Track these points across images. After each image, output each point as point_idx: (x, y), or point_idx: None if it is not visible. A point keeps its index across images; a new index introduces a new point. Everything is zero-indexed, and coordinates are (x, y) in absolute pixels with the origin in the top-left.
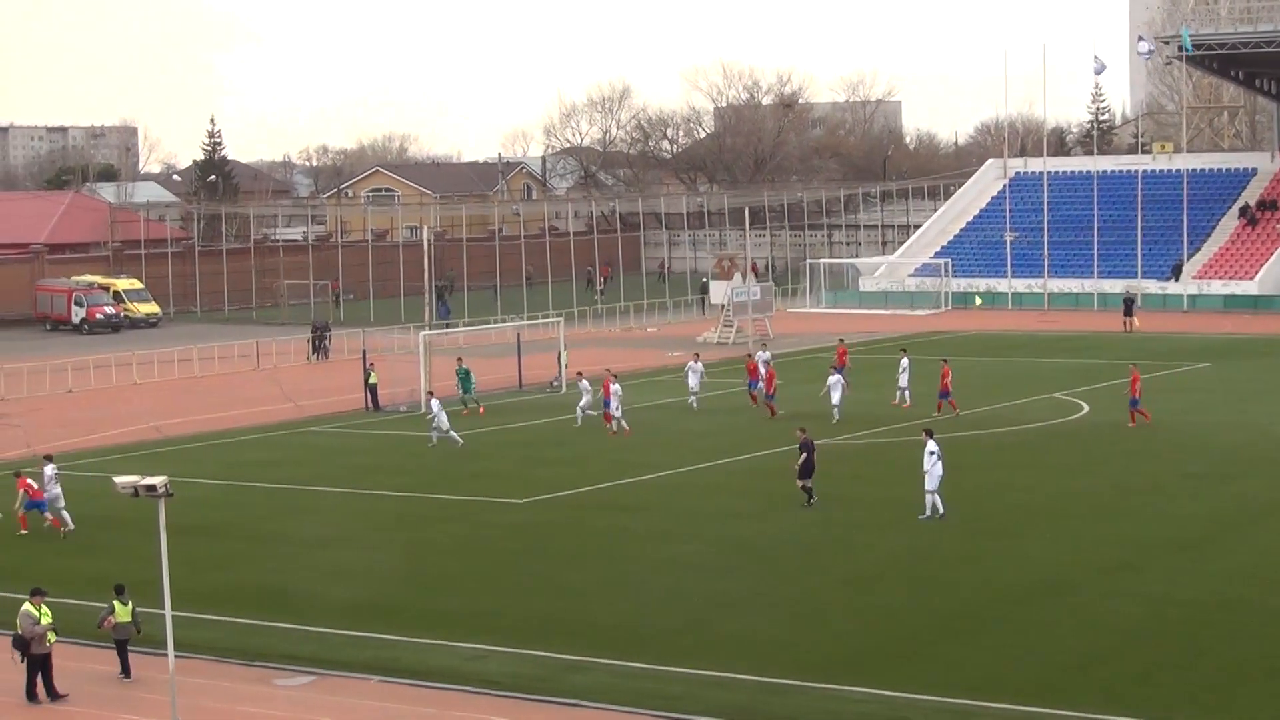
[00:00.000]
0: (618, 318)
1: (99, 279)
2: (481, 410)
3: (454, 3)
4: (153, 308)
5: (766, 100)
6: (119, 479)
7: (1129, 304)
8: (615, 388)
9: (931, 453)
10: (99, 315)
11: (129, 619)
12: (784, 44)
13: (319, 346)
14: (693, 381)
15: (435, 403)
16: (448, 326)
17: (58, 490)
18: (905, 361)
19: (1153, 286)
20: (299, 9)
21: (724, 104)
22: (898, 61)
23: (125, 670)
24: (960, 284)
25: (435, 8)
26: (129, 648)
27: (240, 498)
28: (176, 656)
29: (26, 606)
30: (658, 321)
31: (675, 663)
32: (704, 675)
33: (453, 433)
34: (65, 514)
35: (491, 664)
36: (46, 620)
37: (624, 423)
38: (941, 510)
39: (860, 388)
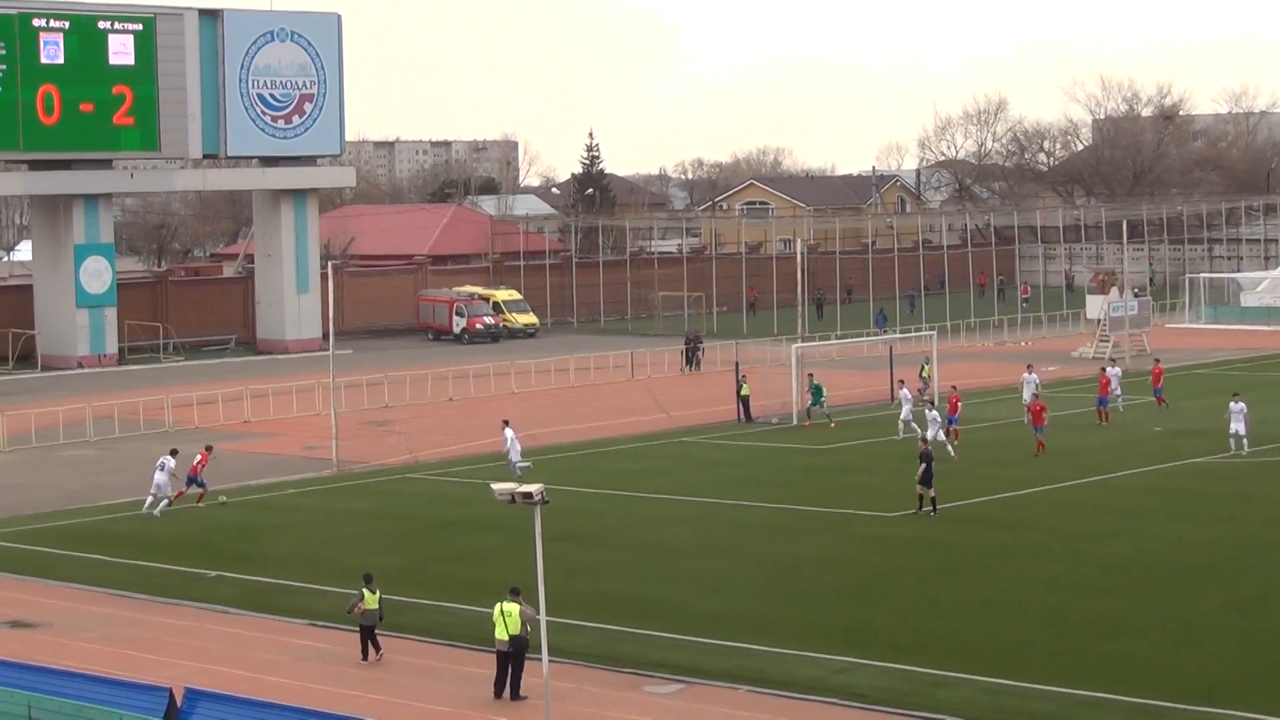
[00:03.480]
0: (991, 331)
1: (479, 290)
2: (832, 425)
3: (836, 14)
4: (531, 318)
5: (1146, 112)
6: (497, 486)
7: None
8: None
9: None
10: (479, 325)
11: (375, 606)
12: (1165, 54)
13: (692, 358)
14: (1027, 395)
15: (508, 432)
16: (885, 333)
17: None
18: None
19: None
20: (677, 21)
21: (1102, 116)
22: None
23: (365, 654)
24: None
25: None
26: (376, 633)
27: (612, 506)
28: (550, 662)
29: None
30: (1031, 336)
31: (1047, 681)
32: (1075, 694)
33: (517, 465)
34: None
35: (859, 677)
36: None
37: (949, 448)
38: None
39: (1259, 403)
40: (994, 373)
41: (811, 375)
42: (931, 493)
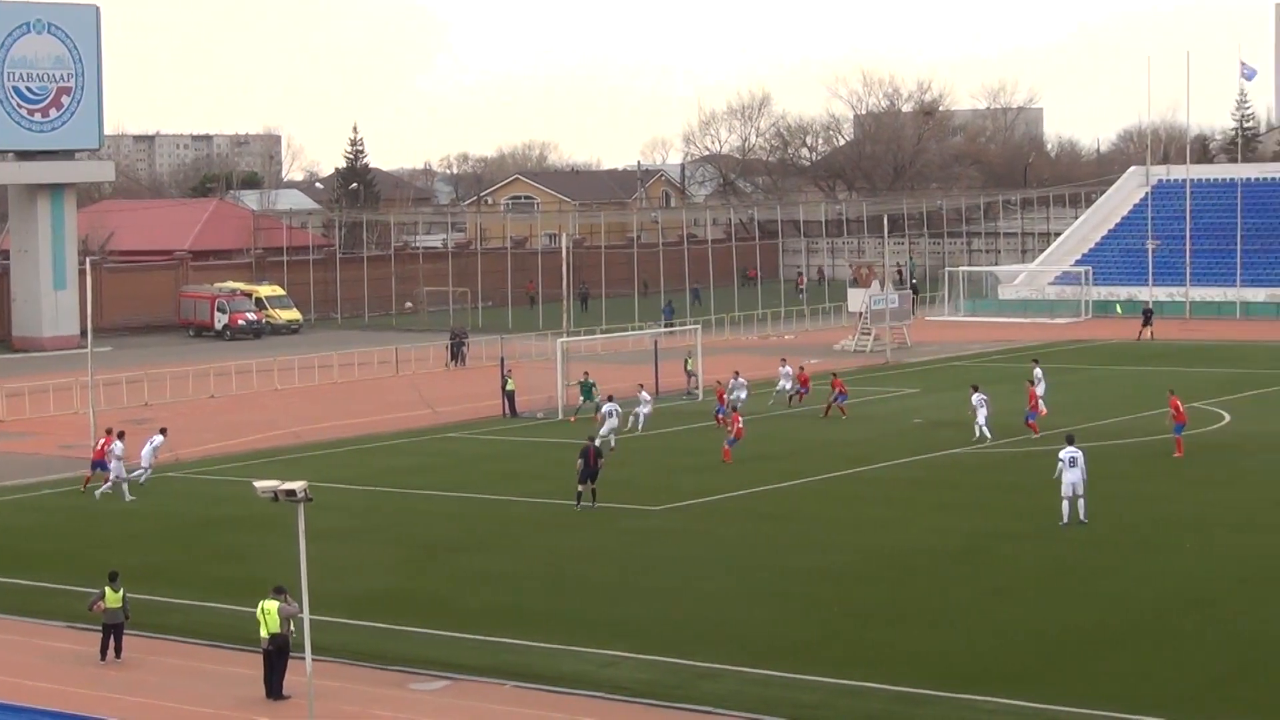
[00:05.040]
0: (755, 325)
1: (241, 285)
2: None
3: (594, 11)
4: (294, 314)
5: (907, 107)
6: (259, 483)
7: (1148, 315)
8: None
9: (1062, 459)
10: (241, 321)
11: (119, 605)
12: (925, 51)
13: (457, 353)
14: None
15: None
16: (669, 326)
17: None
18: (1039, 372)
19: None
20: (443, 16)
21: (864, 111)
22: (1039, 68)
23: (104, 653)
24: (1101, 292)
25: (575, 15)
26: (124, 633)
27: (378, 503)
28: (315, 660)
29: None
30: (795, 329)
31: (810, 671)
32: (839, 684)
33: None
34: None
35: (624, 670)
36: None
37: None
38: (1082, 516)
39: (1001, 397)
40: (758, 366)
41: (587, 373)
42: (593, 486)
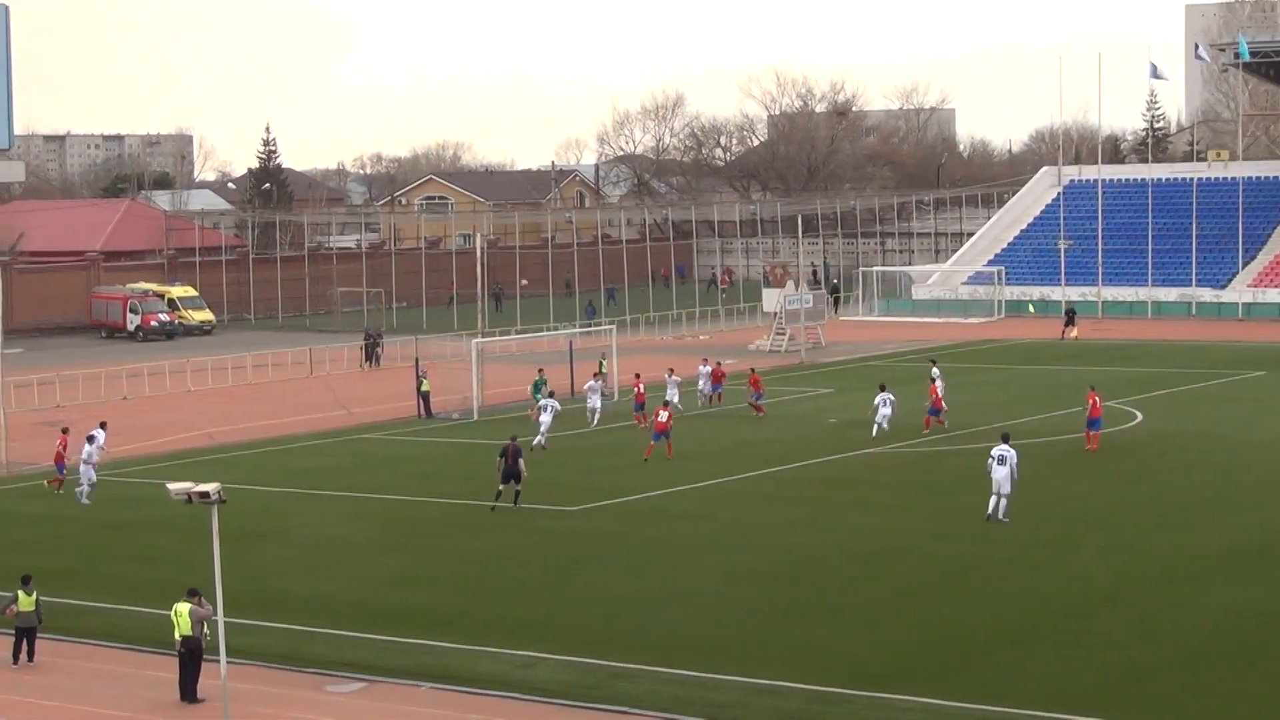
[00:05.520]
0: (670, 325)
1: (154, 286)
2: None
3: (507, 10)
4: (207, 315)
5: (820, 108)
6: (172, 485)
7: (1070, 314)
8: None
9: (992, 456)
10: (154, 323)
11: (32, 608)
12: (838, 52)
13: (372, 354)
14: (670, 393)
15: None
16: (590, 326)
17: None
18: (937, 370)
19: (1207, 295)
20: (354, 17)
21: (778, 112)
22: (952, 69)
23: (15, 657)
24: (1013, 292)
25: (488, 15)
26: (36, 636)
27: (293, 504)
28: (229, 663)
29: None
30: (710, 329)
31: (726, 671)
32: (754, 684)
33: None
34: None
35: (540, 671)
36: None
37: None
38: (1002, 515)
39: (909, 398)
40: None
41: (541, 370)
42: (517, 487)
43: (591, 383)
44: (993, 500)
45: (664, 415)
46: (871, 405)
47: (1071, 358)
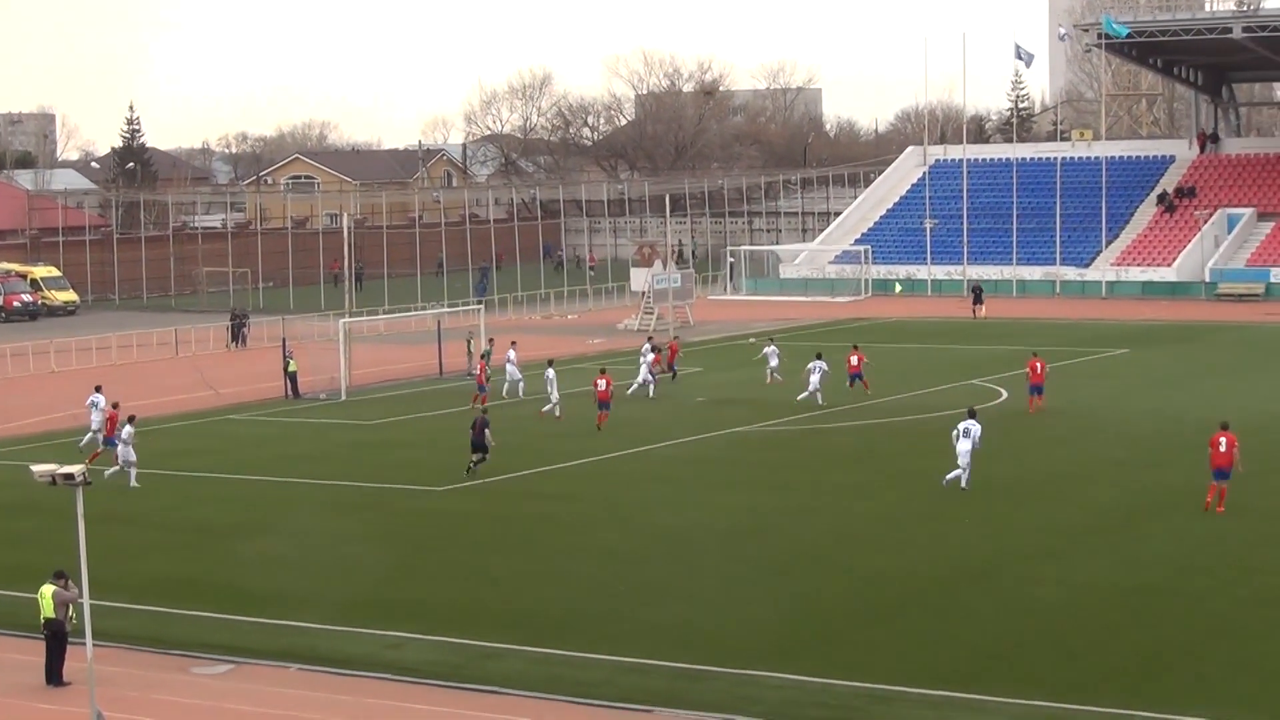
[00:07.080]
0: (538, 305)
1: (16, 267)
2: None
3: None
4: (70, 295)
5: (687, 87)
6: (36, 467)
7: (977, 293)
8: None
9: (956, 430)
10: (16, 303)
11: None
12: (705, 31)
13: (238, 334)
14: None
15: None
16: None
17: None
18: (773, 348)
19: (1071, 273)
20: None
21: (645, 91)
22: (818, 49)
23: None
24: (880, 271)
25: None
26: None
27: (158, 486)
28: (95, 646)
29: None
30: (579, 309)
31: (594, 650)
32: (622, 662)
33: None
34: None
35: (410, 651)
36: None
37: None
38: (964, 484)
39: (787, 373)
40: (547, 346)
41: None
42: (484, 456)
43: (511, 353)
44: (956, 471)
45: (602, 384)
46: (804, 370)
47: (941, 335)
